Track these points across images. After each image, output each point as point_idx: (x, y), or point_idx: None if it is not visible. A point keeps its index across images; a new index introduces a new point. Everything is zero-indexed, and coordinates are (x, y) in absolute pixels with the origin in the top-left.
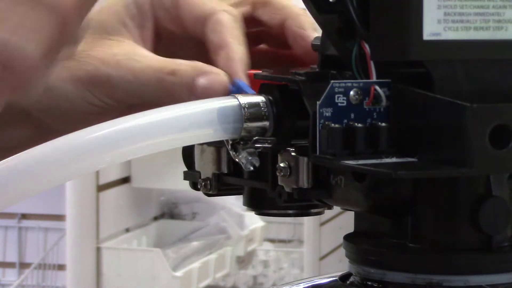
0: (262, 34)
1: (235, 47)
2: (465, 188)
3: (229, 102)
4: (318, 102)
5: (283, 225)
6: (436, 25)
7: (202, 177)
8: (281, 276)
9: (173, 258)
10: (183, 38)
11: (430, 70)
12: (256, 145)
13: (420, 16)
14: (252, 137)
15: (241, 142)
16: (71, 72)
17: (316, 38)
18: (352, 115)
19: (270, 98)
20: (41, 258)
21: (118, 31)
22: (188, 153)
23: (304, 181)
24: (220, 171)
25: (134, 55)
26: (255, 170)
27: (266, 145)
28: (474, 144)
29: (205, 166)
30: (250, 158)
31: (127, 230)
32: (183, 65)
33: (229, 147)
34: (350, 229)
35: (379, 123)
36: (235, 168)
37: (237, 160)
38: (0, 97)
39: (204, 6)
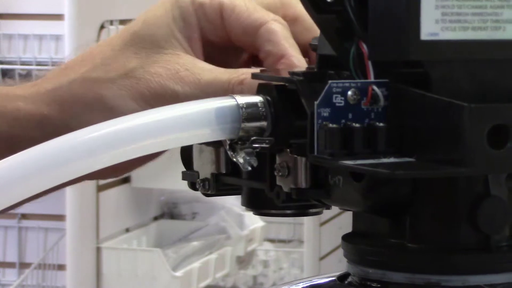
0: None
1: (295, 55)
2: (463, 188)
3: (227, 102)
4: (316, 102)
5: (283, 225)
6: (434, 25)
7: (200, 177)
8: (281, 276)
9: (173, 258)
10: (224, 49)
11: (428, 70)
12: (254, 145)
13: (417, 16)
14: (250, 137)
15: (239, 142)
16: (130, 90)
17: (314, 38)
18: (350, 115)
19: (268, 98)
20: (41, 258)
21: (171, 44)
22: (186, 153)
23: (302, 181)
24: (218, 171)
25: (196, 69)
26: (253, 170)
27: (264, 145)
28: (472, 144)
29: (204, 166)
30: (248, 158)
31: (127, 230)
32: (250, 74)
33: (227, 147)
34: (350, 229)
35: (377, 123)
36: (234, 168)
37: (235, 160)
38: None
39: (252, 16)
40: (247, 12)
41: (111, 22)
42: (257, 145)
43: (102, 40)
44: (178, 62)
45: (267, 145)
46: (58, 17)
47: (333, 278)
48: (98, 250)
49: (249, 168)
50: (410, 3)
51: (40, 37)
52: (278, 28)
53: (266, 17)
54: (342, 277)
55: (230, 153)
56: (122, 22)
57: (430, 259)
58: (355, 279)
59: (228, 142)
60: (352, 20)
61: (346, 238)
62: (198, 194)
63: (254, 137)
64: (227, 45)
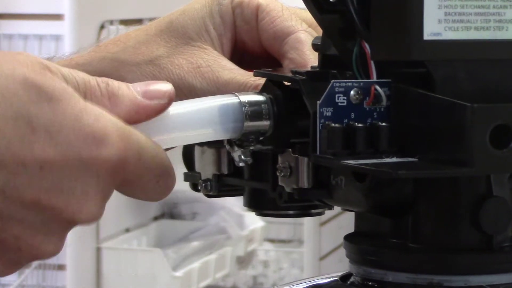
0: None
1: None
2: (465, 188)
3: (230, 100)
4: (318, 102)
5: (283, 225)
6: (436, 25)
7: (202, 178)
8: (281, 276)
9: (173, 258)
10: (256, 57)
11: (431, 70)
12: (251, 148)
13: (420, 16)
14: (252, 134)
15: (236, 142)
16: (151, 78)
17: (317, 38)
18: (353, 115)
19: (271, 97)
20: None
21: (201, 38)
22: (188, 154)
23: (304, 181)
24: (220, 172)
25: (217, 66)
26: (255, 171)
27: (263, 147)
28: (475, 144)
29: (206, 167)
30: (243, 157)
31: (127, 230)
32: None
33: (225, 141)
34: (350, 229)
35: (380, 123)
36: (236, 169)
37: (231, 153)
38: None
39: (285, 23)
40: (281, 18)
41: (111, 22)
42: (253, 148)
43: (142, 25)
44: (202, 57)
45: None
46: (58, 17)
47: (335, 278)
48: (98, 250)
49: (242, 165)
50: (413, 3)
51: (40, 37)
52: (307, 38)
53: (298, 26)
54: (344, 277)
55: (227, 146)
56: (122, 22)
57: (432, 260)
58: (357, 279)
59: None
60: (355, 20)
61: (348, 238)
62: (198, 194)
63: (253, 145)
64: (258, 51)
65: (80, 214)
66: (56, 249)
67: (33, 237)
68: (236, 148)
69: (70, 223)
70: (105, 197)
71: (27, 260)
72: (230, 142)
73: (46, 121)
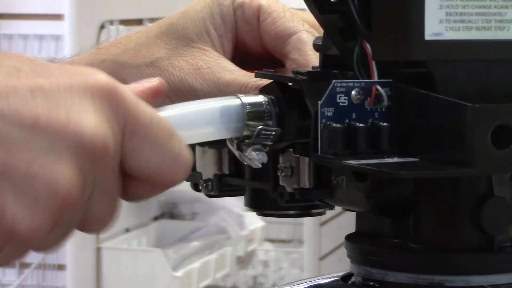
0: None
1: None
2: (466, 188)
3: (232, 101)
4: (319, 102)
5: (283, 225)
6: (438, 25)
7: (203, 178)
8: (281, 276)
9: (173, 258)
10: (257, 58)
11: (432, 70)
12: (260, 136)
13: (421, 16)
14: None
15: (246, 140)
16: None
17: (318, 38)
18: (354, 115)
19: (272, 97)
20: (41, 258)
21: (202, 39)
22: None
23: (305, 181)
24: (221, 172)
25: (218, 68)
26: (256, 171)
27: (270, 138)
28: (476, 144)
29: (206, 167)
30: (256, 153)
31: (127, 230)
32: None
33: (235, 147)
34: (350, 229)
35: (381, 123)
36: (236, 169)
37: (245, 162)
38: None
39: (286, 23)
40: (283, 19)
41: (111, 22)
42: (263, 137)
43: (142, 27)
44: (203, 59)
45: (273, 138)
46: (58, 17)
47: (336, 278)
48: (98, 250)
49: (259, 165)
50: (414, 3)
51: (40, 37)
52: (309, 39)
53: (300, 26)
54: (345, 277)
55: (237, 153)
56: (122, 22)
57: (433, 260)
58: (358, 279)
59: (235, 141)
60: (356, 20)
61: (349, 238)
62: (198, 194)
63: (260, 127)
64: (260, 51)
65: (83, 127)
66: (70, 177)
67: (44, 158)
68: (247, 150)
69: (77, 144)
70: (107, 120)
71: (44, 192)
72: (240, 147)
73: (32, 66)
